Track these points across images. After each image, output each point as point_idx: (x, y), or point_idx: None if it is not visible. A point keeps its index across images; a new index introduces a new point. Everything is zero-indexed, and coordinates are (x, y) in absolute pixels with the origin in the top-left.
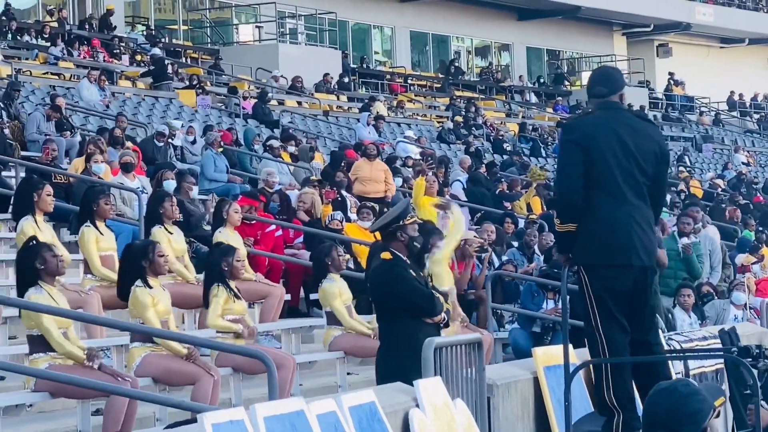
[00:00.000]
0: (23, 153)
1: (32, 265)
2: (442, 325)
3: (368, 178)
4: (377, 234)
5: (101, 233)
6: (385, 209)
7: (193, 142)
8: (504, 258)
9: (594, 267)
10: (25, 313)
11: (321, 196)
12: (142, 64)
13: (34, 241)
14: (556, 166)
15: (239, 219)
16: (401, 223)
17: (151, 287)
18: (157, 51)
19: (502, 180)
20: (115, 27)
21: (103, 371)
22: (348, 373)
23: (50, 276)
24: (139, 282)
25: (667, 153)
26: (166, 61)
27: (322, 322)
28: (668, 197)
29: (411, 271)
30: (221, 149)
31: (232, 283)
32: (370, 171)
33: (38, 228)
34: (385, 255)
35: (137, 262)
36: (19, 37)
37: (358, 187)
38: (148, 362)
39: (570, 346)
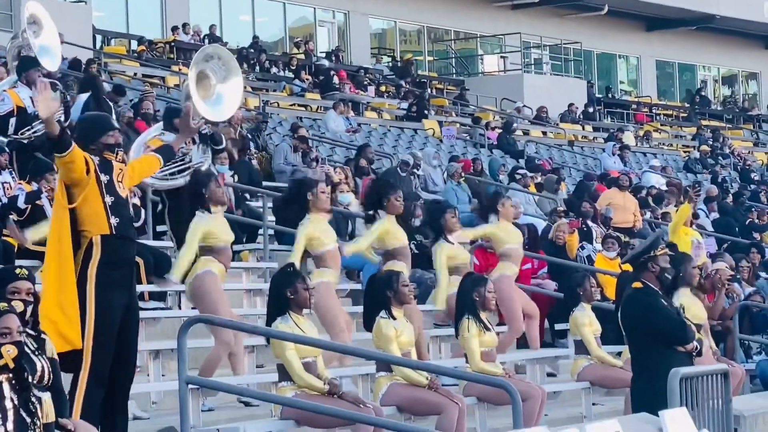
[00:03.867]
0: (268, 183)
1: (283, 293)
2: (694, 354)
3: (621, 206)
4: (626, 265)
5: None
6: (631, 240)
7: (440, 167)
8: (752, 289)
9: None
10: (275, 343)
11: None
12: (387, 95)
13: (291, 269)
14: None
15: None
16: (652, 254)
17: (395, 318)
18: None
19: (752, 209)
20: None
21: (344, 399)
22: (593, 404)
23: (298, 307)
24: (383, 313)
25: None
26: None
27: (567, 352)
28: None
29: (662, 300)
30: (462, 178)
31: (483, 315)
32: (623, 201)
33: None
34: (637, 284)
35: (382, 293)
36: (266, 70)
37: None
38: (394, 391)
39: None
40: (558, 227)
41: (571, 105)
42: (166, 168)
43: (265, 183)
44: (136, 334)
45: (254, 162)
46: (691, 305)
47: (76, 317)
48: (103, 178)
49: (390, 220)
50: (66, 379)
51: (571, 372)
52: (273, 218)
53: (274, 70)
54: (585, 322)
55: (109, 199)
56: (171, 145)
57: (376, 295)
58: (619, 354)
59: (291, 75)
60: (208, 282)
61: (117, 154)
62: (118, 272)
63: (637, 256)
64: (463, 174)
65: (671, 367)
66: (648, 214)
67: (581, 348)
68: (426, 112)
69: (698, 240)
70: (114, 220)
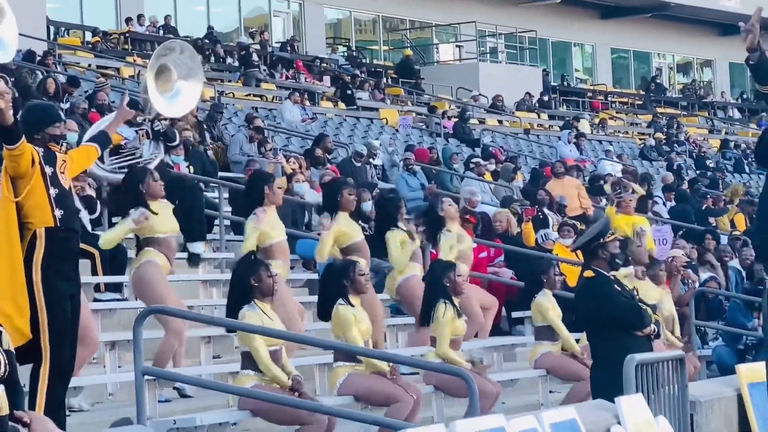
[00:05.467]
0: (224, 174)
1: (247, 281)
2: (653, 337)
3: (575, 196)
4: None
5: None
6: (584, 227)
7: (395, 154)
8: (708, 275)
9: None
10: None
11: (521, 214)
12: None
13: (254, 257)
14: None
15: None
16: (602, 240)
17: (352, 305)
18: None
19: (708, 196)
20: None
21: (303, 398)
22: (550, 391)
23: (263, 295)
24: (341, 300)
25: None
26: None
27: (524, 340)
28: None
29: (615, 286)
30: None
31: (456, 300)
32: (562, 189)
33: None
34: (588, 273)
35: (338, 282)
36: (222, 60)
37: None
38: (352, 381)
39: None
40: (495, 216)
41: (526, 93)
42: (117, 161)
43: (220, 173)
44: (77, 326)
45: (209, 152)
46: (643, 287)
47: (27, 308)
48: (48, 170)
49: (343, 218)
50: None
51: (529, 359)
52: (229, 209)
53: (229, 60)
54: (548, 306)
55: (53, 191)
56: (106, 131)
57: (333, 284)
58: (577, 341)
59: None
60: (150, 272)
61: (62, 145)
62: (64, 264)
63: (587, 243)
64: (414, 162)
65: (630, 352)
66: (604, 202)
67: (543, 334)
68: (349, 92)
69: (643, 228)
70: (58, 212)
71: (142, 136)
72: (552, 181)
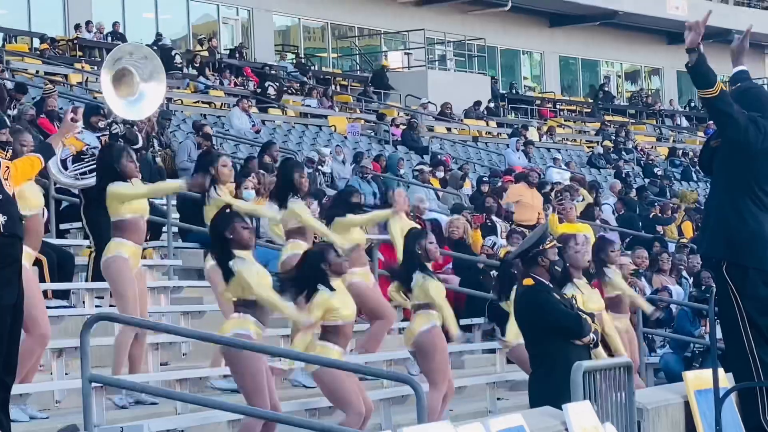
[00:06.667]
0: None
1: (222, 235)
2: (591, 346)
3: (529, 204)
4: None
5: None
6: None
7: (343, 161)
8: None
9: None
10: (238, 281)
11: (470, 221)
12: (291, 92)
13: (228, 210)
14: None
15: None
16: (541, 248)
17: (333, 290)
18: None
19: (655, 204)
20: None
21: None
22: (498, 398)
23: (240, 247)
24: (322, 287)
25: None
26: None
27: (472, 347)
28: None
29: (555, 294)
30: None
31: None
32: (531, 198)
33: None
34: (528, 281)
35: (317, 267)
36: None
37: (519, 211)
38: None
39: (720, 369)
40: (451, 223)
41: (475, 101)
42: (80, 167)
43: (168, 180)
44: (19, 333)
45: (158, 159)
46: (587, 295)
47: None
48: None
49: (297, 201)
50: None
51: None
52: (177, 215)
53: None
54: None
55: None
56: (50, 143)
57: (311, 270)
58: None
59: (195, 72)
60: (116, 269)
61: (7, 152)
62: (8, 270)
63: (526, 251)
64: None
65: (569, 360)
66: (550, 210)
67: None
68: (269, 95)
69: (585, 235)
70: (2, 218)
71: (105, 142)
72: (523, 186)
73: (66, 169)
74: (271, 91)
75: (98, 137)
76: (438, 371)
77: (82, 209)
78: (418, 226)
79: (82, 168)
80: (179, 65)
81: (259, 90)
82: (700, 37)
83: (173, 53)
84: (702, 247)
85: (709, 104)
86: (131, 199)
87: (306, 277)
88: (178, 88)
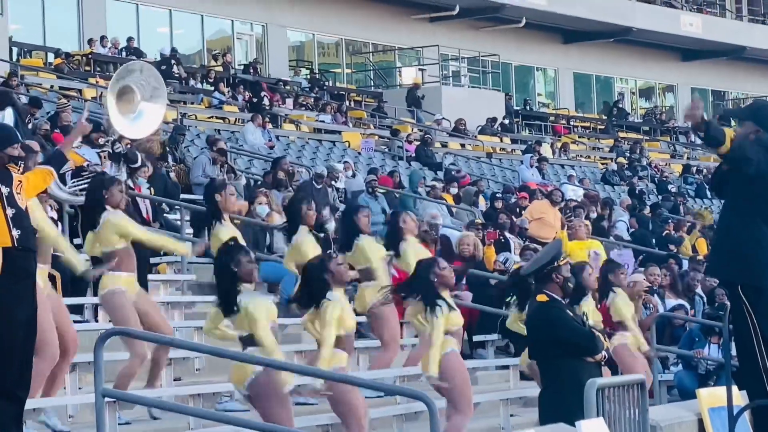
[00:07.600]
0: (187, 196)
1: (229, 268)
2: (603, 363)
3: (549, 222)
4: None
5: None
6: None
7: (353, 175)
8: (676, 302)
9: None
10: (247, 316)
11: (484, 237)
12: (306, 107)
13: (233, 242)
14: None
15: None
16: (555, 264)
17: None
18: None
19: (669, 221)
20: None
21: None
22: (511, 415)
23: (243, 281)
24: (328, 296)
25: None
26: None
27: (485, 363)
28: None
29: (568, 311)
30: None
31: (445, 294)
32: (553, 217)
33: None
34: (541, 297)
35: (320, 278)
36: (184, 82)
37: (536, 228)
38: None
39: (734, 387)
40: (461, 240)
41: (489, 118)
42: (78, 183)
43: (182, 195)
44: (32, 348)
45: (172, 174)
46: (595, 312)
47: None
48: (4, 190)
49: (302, 233)
50: None
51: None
52: (191, 231)
53: (192, 82)
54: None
55: (10, 211)
56: (61, 150)
57: (316, 281)
58: None
59: (209, 87)
60: (114, 302)
61: (20, 167)
62: (21, 284)
63: (540, 268)
64: (377, 187)
65: (580, 378)
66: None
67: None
68: (261, 107)
69: (596, 252)
70: (16, 232)
71: (104, 158)
72: (544, 203)
73: (65, 184)
74: (265, 101)
75: (98, 153)
76: (461, 396)
77: (80, 226)
78: (430, 254)
79: (81, 184)
80: (177, 74)
81: (255, 100)
82: (701, 113)
83: (172, 62)
84: (716, 271)
85: (724, 157)
86: (129, 238)
87: (311, 291)
88: (192, 103)
